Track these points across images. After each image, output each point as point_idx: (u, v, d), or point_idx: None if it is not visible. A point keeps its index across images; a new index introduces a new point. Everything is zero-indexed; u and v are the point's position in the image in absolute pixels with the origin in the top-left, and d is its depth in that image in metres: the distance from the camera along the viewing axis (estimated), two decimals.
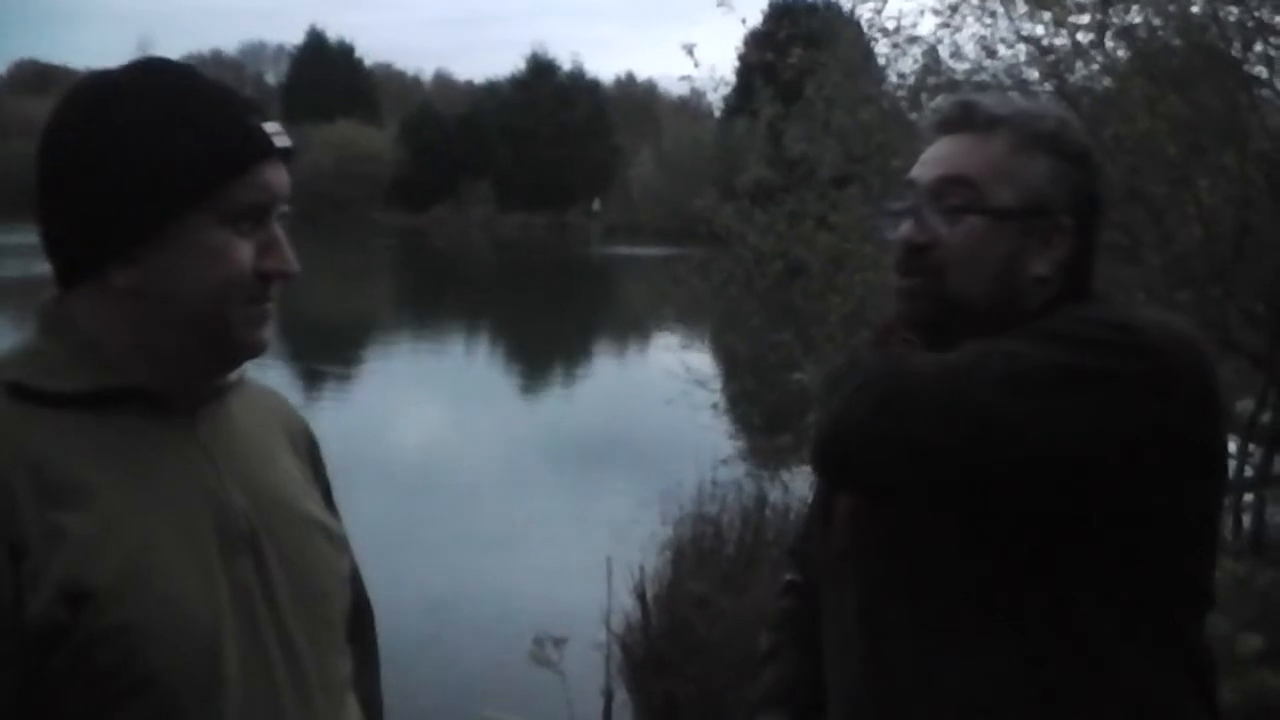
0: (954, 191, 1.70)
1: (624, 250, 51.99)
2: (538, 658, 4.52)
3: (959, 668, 1.64)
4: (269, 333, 1.49)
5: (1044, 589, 1.61)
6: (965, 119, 1.75)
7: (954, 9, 5.88)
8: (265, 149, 1.43)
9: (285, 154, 1.47)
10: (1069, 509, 1.58)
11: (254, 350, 1.49)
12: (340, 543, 1.64)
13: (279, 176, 1.46)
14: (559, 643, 4.52)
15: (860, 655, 1.75)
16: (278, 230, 1.47)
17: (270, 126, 1.44)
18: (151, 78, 1.45)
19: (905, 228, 1.73)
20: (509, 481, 12.47)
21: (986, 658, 1.63)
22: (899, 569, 1.71)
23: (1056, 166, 1.71)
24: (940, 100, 6.35)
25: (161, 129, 1.39)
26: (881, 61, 6.63)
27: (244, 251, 1.43)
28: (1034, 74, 5.88)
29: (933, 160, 1.75)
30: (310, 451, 1.72)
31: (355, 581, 1.70)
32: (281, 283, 1.48)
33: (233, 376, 1.56)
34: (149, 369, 1.43)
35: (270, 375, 19.12)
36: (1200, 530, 1.70)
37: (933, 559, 1.67)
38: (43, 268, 1.49)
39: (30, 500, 1.30)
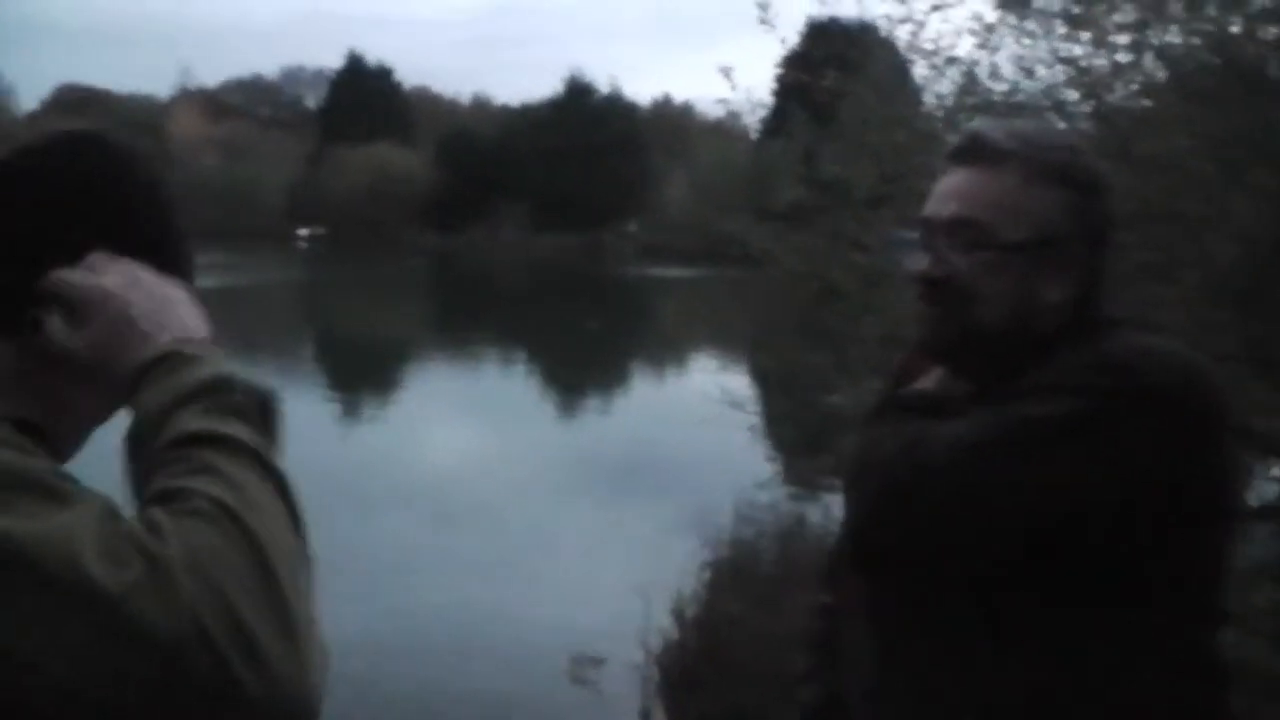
0: (966, 228, 1.77)
1: (658, 271, 52.07)
2: (575, 677, 4.53)
3: (965, 691, 1.72)
4: None
5: (1054, 615, 1.67)
6: (976, 152, 1.81)
7: (989, 29, 5.87)
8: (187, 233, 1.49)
9: None
10: (1080, 553, 1.64)
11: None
12: None
13: None
14: (596, 663, 4.52)
15: (877, 689, 1.85)
16: None
17: None
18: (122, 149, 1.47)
19: (924, 262, 1.81)
20: (545, 502, 12.49)
21: (996, 677, 1.70)
22: (904, 612, 1.81)
23: (1067, 197, 1.77)
24: (973, 122, 6.38)
25: (116, 186, 1.43)
26: (920, 83, 6.63)
27: None
28: (1072, 95, 5.86)
29: (945, 196, 1.83)
30: None
31: None
32: None
33: None
34: (39, 415, 1.35)
35: (307, 395, 19.25)
36: (1211, 557, 1.75)
37: (944, 589, 1.75)
38: None
39: None
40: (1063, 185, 1.77)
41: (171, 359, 1.27)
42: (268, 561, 1.12)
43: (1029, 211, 1.76)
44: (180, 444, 1.20)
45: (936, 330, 1.83)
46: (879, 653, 1.86)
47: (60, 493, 1.14)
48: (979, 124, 1.92)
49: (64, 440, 1.36)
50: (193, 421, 1.21)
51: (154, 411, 1.24)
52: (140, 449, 1.23)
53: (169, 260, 1.40)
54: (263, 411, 1.26)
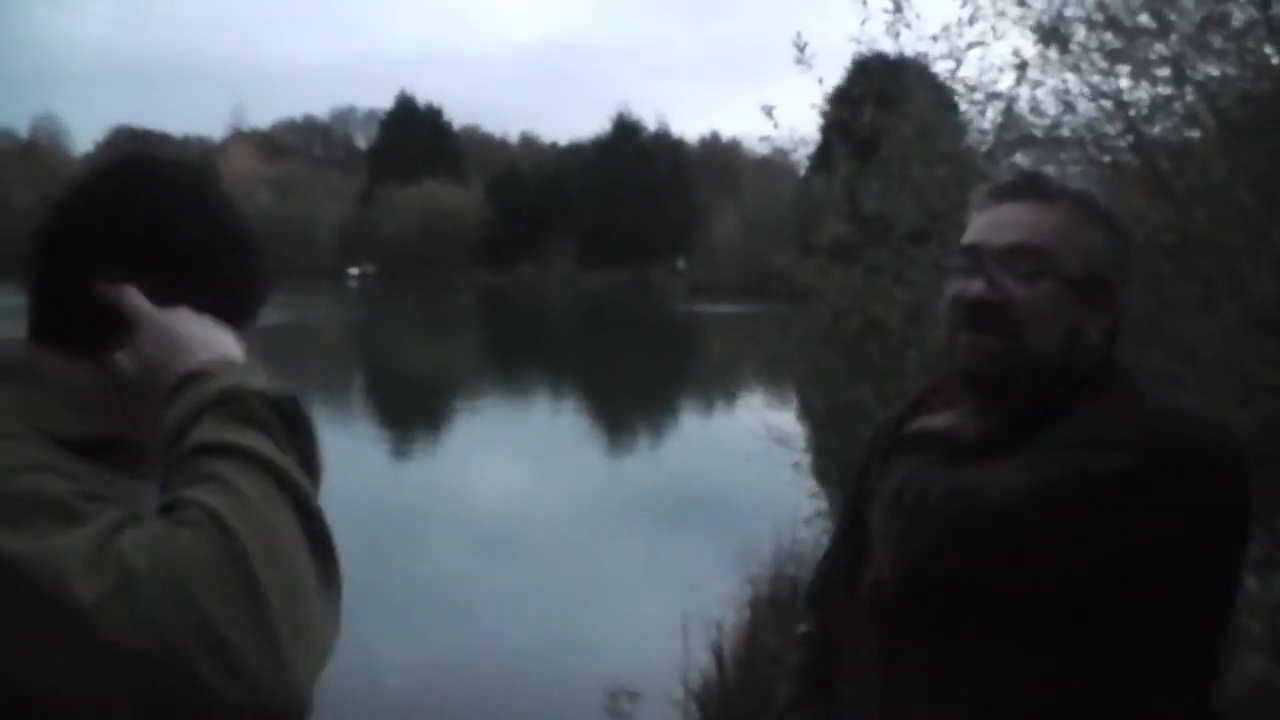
0: (1027, 256, 1.79)
1: (707, 308, 52.09)
2: (611, 711, 4.54)
3: None
4: None
5: (1073, 665, 1.69)
6: (1029, 188, 1.86)
7: (1021, 66, 5.88)
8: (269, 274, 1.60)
9: None
10: (1117, 608, 1.67)
11: None
12: None
13: None
14: (633, 697, 4.54)
15: (878, 708, 1.86)
16: None
17: None
18: (200, 183, 1.55)
19: (977, 285, 1.80)
20: (591, 537, 12.50)
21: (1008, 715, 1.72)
22: (924, 648, 1.80)
23: (1111, 240, 1.84)
24: (1016, 158, 6.38)
25: (227, 237, 1.52)
26: (964, 118, 6.65)
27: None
28: (1113, 129, 5.86)
29: (1000, 226, 1.84)
30: None
31: None
32: None
33: None
34: (128, 430, 1.43)
35: (357, 432, 19.37)
36: (1224, 611, 1.79)
37: (963, 665, 1.76)
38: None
39: None
40: (1107, 228, 1.84)
41: (200, 375, 1.33)
42: (251, 569, 1.15)
43: (1083, 248, 1.80)
44: (192, 454, 1.25)
45: (980, 359, 1.81)
46: (886, 686, 1.86)
47: (76, 512, 1.20)
48: (1027, 164, 1.96)
49: (150, 452, 1.40)
50: (206, 433, 1.26)
51: (173, 424, 1.30)
52: (165, 461, 1.29)
53: (233, 282, 1.50)
54: (288, 420, 1.30)
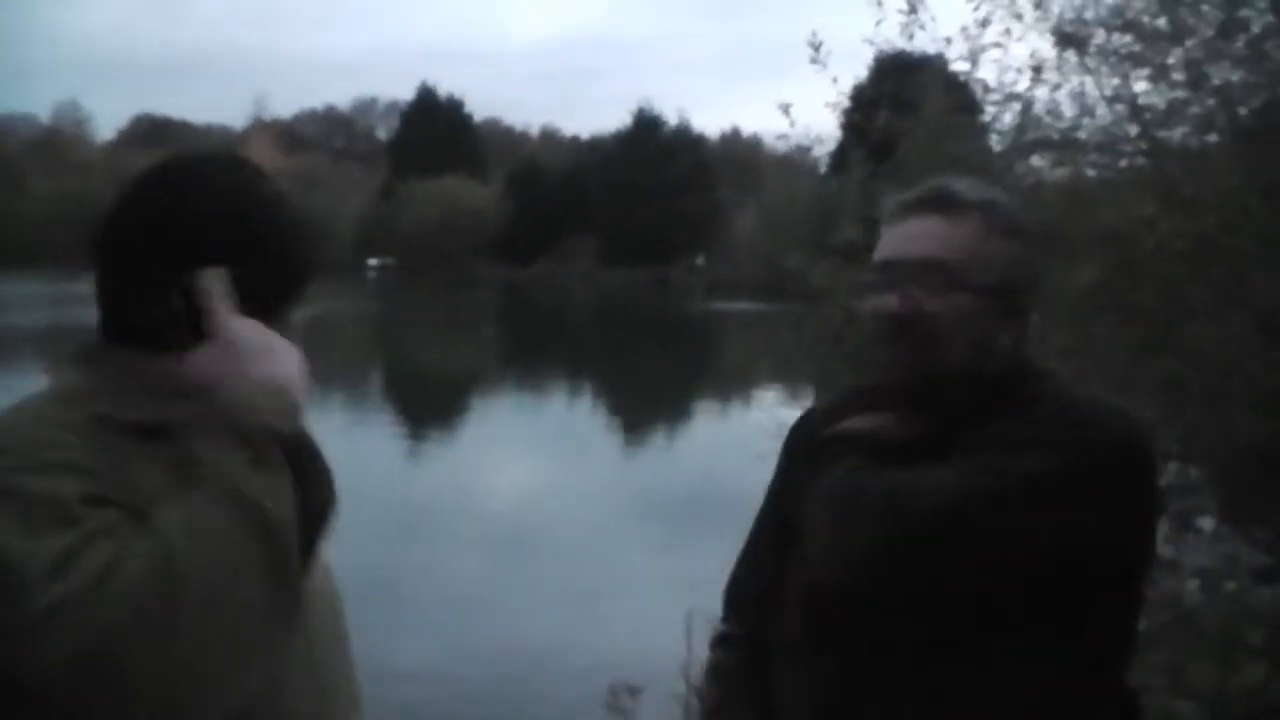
0: (938, 271, 1.84)
1: (726, 306, 52.06)
2: (612, 706, 4.56)
3: None
4: None
5: (1008, 653, 1.76)
6: (940, 202, 1.90)
7: (1037, 69, 5.87)
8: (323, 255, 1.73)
9: None
10: (1046, 599, 1.74)
11: None
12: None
13: None
14: (634, 691, 4.55)
15: (812, 706, 1.91)
16: None
17: None
18: (248, 174, 1.64)
19: (891, 300, 1.85)
20: (602, 534, 12.53)
21: (954, 713, 1.78)
22: (861, 645, 1.85)
23: (1019, 250, 1.90)
24: (1032, 161, 6.36)
25: (276, 226, 1.61)
26: (981, 120, 6.63)
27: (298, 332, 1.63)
28: (1130, 131, 5.84)
29: (911, 240, 1.89)
30: None
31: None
32: None
33: None
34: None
35: (375, 426, 19.42)
36: (1138, 597, 1.89)
37: (901, 657, 1.81)
38: None
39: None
40: (1014, 238, 1.89)
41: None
42: (176, 596, 1.24)
43: (992, 260, 1.85)
44: (195, 463, 1.35)
45: (899, 370, 1.86)
46: (818, 686, 1.91)
47: (71, 517, 1.30)
48: (940, 180, 1.99)
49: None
50: (212, 454, 1.36)
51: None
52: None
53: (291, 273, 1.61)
54: (299, 462, 1.38)
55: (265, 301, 1.54)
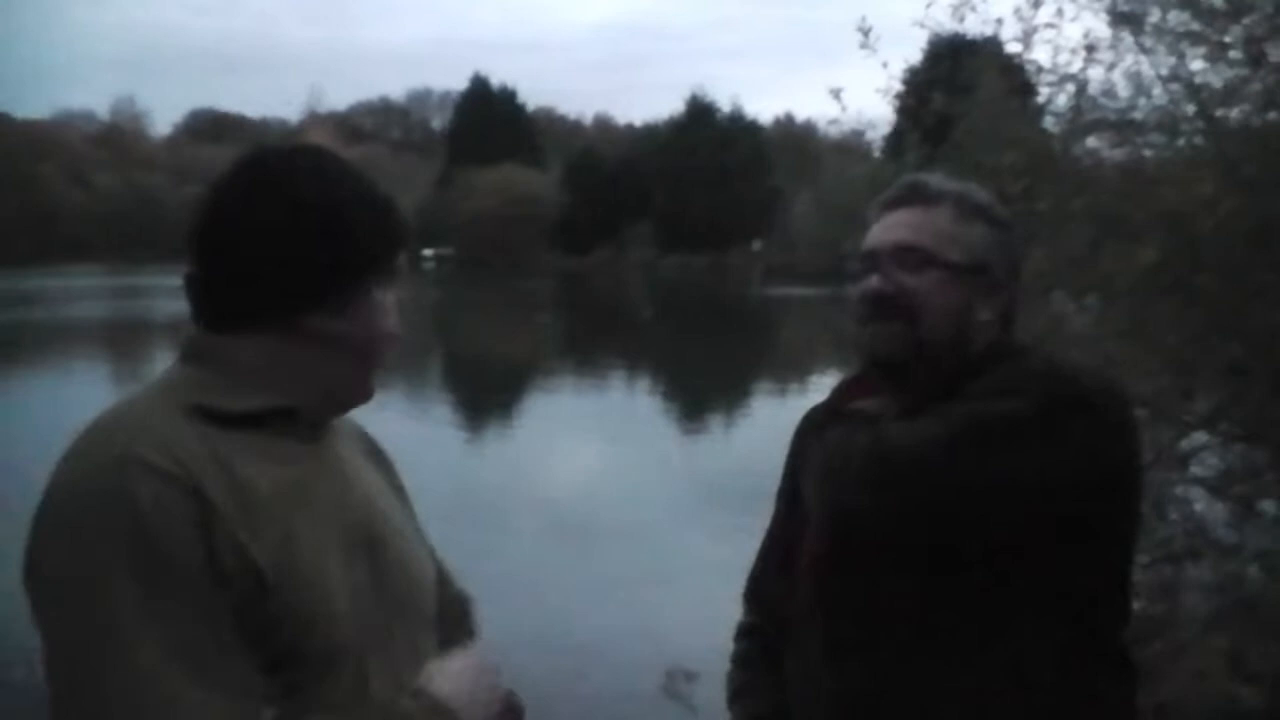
0: (914, 251, 2.01)
1: (783, 291, 51.92)
2: (669, 691, 4.58)
3: (916, 691, 1.90)
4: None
5: (993, 616, 1.87)
6: (913, 195, 2.07)
7: (1091, 50, 5.82)
8: (407, 234, 1.73)
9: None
10: (1028, 544, 1.84)
11: (368, 399, 1.76)
12: (429, 549, 1.89)
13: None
14: (690, 677, 4.57)
15: (826, 691, 2.00)
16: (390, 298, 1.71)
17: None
18: (324, 161, 1.69)
19: (872, 279, 2.02)
20: (660, 521, 12.55)
21: (942, 685, 1.88)
22: (860, 610, 1.95)
23: (991, 232, 2.06)
24: (1089, 142, 6.30)
25: (352, 207, 1.65)
26: (1036, 102, 6.58)
27: (388, 312, 1.69)
28: (1187, 110, 5.78)
29: (888, 229, 2.06)
30: (384, 462, 1.94)
31: (443, 578, 1.92)
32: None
33: None
34: (301, 397, 1.64)
35: (434, 414, 19.52)
36: (1125, 552, 1.99)
37: (892, 601, 1.91)
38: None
39: (227, 504, 1.50)
40: (987, 222, 2.06)
41: None
42: None
43: (964, 241, 2.02)
44: None
45: (883, 345, 2.00)
46: (826, 648, 1.99)
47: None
48: (914, 175, 2.15)
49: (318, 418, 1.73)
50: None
51: None
52: None
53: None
54: None
55: (364, 281, 1.64)
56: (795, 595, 2.07)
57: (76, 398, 19.03)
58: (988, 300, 2.02)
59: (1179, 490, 5.66)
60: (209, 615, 1.45)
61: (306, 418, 1.66)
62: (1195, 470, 5.68)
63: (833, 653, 1.98)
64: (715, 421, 21.63)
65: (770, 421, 19.96)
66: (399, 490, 1.91)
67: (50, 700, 1.46)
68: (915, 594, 1.88)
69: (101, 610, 1.41)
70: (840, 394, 2.14)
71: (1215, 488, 5.63)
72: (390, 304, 1.70)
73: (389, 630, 1.65)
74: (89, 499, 1.45)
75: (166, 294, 51.53)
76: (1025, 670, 1.86)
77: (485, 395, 24.87)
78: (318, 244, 1.61)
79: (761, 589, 2.30)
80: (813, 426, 2.13)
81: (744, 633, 2.34)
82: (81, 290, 52.29)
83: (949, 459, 1.82)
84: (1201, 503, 5.67)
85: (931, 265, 1.99)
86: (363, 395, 1.74)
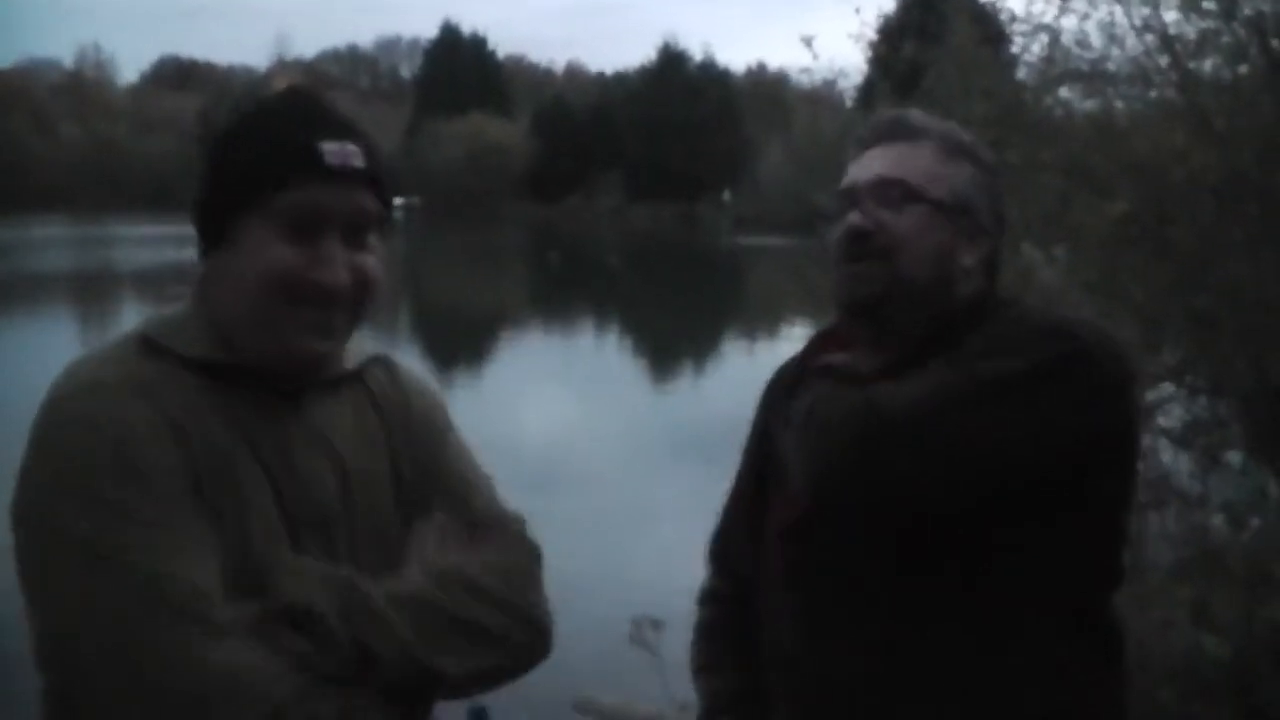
0: (894, 186, 1.88)
1: (753, 241, 51.88)
2: (635, 639, 4.58)
3: (897, 662, 1.79)
4: (324, 345, 1.61)
5: (976, 583, 1.76)
6: (895, 130, 1.95)
7: None
8: (309, 168, 1.55)
9: (352, 175, 1.58)
10: (1016, 506, 1.73)
11: (300, 356, 1.59)
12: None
13: (333, 196, 1.57)
14: (656, 625, 4.57)
15: (806, 675, 1.90)
16: (331, 245, 1.57)
17: (333, 148, 1.57)
18: (270, 99, 1.64)
19: (852, 216, 1.88)
20: (632, 470, 12.59)
21: (931, 665, 1.78)
22: (837, 580, 1.84)
23: (976, 174, 1.93)
24: (1061, 93, 6.29)
25: (238, 141, 1.58)
26: (1016, 50, 6.57)
27: (282, 253, 1.54)
28: (1161, 62, 5.77)
29: (868, 164, 1.93)
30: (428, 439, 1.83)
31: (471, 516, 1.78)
32: (330, 297, 1.58)
33: (351, 367, 1.74)
34: (251, 348, 1.58)
35: (404, 362, 19.62)
36: (1120, 513, 1.86)
37: (870, 570, 1.80)
38: (185, 255, 1.71)
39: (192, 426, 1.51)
40: (973, 162, 1.93)
41: None
42: None
43: (948, 179, 1.89)
44: None
45: (862, 286, 1.86)
46: (801, 619, 1.89)
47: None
48: (897, 110, 2.03)
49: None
50: None
51: None
52: None
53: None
54: None
55: (238, 217, 1.57)
56: (764, 561, 1.98)
57: (43, 350, 18.89)
58: (971, 245, 1.88)
59: (1145, 441, 5.70)
60: (194, 514, 1.46)
61: (256, 373, 1.59)
62: (1161, 421, 5.72)
63: (811, 630, 1.87)
64: (684, 371, 21.66)
65: (739, 371, 20.02)
66: (422, 444, 1.82)
67: (46, 640, 1.46)
68: (900, 565, 1.77)
69: (89, 523, 1.41)
70: (814, 348, 2.01)
71: (1181, 439, 5.67)
72: (273, 245, 1.54)
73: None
74: (65, 425, 1.46)
75: (132, 244, 51.08)
76: (1018, 645, 1.76)
77: (453, 345, 24.81)
78: (203, 182, 1.59)
79: (726, 550, 2.18)
80: (785, 382, 2.00)
81: (708, 598, 2.21)
82: (45, 241, 51.76)
83: (944, 421, 1.70)
84: (1167, 454, 5.70)
85: (914, 201, 1.86)
86: (274, 345, 1.57)
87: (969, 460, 1.70)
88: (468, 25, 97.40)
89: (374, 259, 1.62)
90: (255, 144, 1.56)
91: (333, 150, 1.56)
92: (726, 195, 78.01)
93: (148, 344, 1.55)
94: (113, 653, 1.38)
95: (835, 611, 1.85)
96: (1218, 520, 5.21)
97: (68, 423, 1.46)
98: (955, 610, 1.76)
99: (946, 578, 1.76)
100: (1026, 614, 1.77)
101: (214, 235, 1.59)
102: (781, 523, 1.93)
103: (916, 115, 1.98)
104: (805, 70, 7.52)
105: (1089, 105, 6.22)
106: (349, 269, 1.57)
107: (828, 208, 1.96)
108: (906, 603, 1.78)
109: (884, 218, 1.86)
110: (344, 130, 1.60)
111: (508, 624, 1.64)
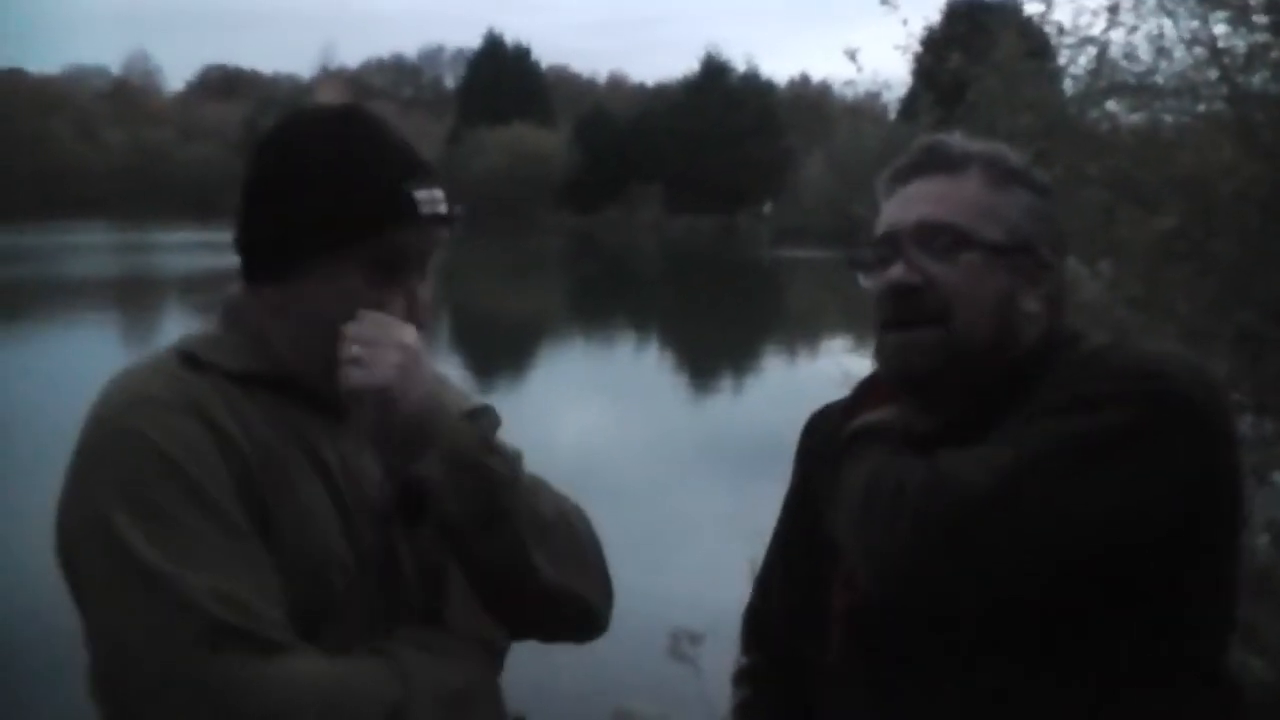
0: (942, 231, 1.63)
1: (793, 253, 51.77)
2: (674, 652, 4.57)
3: None
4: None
5: (1071, 655, 1.54)
6: (933, 161, 1.70)
7: (1112, 11, 5.75)
8: (407, 214, 1.56)
9: (439, 220, 1.60)
10: (1126, 572, 1.51)
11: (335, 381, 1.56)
12: None
13: (421, 240, 1.59)
14: (695, 639, 4.56)
15: None
16: (416, 287, 1.60)
17: (425, 196, 1.58)
18: (339, 128, 1.61)
19: (894, 270, 1.64)
20: (668, 482, 12.56)
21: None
22: (913, 663, 1.63)
23: (1032, 200, 1.68)
24: (1108, 106, 6.23)
25: (322, 181, 1.55)
26: (1062, 63, 6.53)
27: (368, 297, 1.56)
28: (1209, 75, 5.71)
29: (907, 204, 1.68)
30: None
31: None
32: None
33: None
34: (312, 375, 1.58)
35: (444, 372, 19.60)
36: (1232, 565, 1.64)
37: (951, 649, 1.59)
38: (226, 262, 1.70)
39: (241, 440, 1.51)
40: (1024, 186, 1.69)
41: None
42: None
43: (1001, 213, 1.65)
44: None
45: (915, 358, 1.63)
46: (874, 704, 1.67)
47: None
48: (932, 137, 1.78)
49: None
50: None
51: None
52: None
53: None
54: None
55: (311, 256, 1.56)
56: (826, 646, 1.73)
57: (84, 356, 19.04)
58: (1034, 286, 1.63)
59: None
60: (249, 530, 1.46)
61: (305, 387, 1.60)
62: None
63: (885, 714, 1.65)
64: (724, 383, 21.62)
65: (779, 386, 19.97)
66: None
67: (102, 663, 1.44)
68: (982, 644, 1.55)
69: (144, 540, 1.40)
70: (859, 397, 1.76)
71: None
72: (360, 289, 1.55)
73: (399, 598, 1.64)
74: (114, 439, 1.45)
75: (174, 250, 51.49)
76: (1120, 712, 1.54)
77: (494, 354, 24.86)
78: (269, 215, 1.58)
79: (762, 625, 1.97)
80: (826, 435, 1.77)
81: (745, 677, 2.00)
82: (89, 246, 52.23)
83: (1037, 493, 1.46)
84: None
85: (966, 248, 1.61)
86: (316, 375, 1.57)
87: (1072, 534, 1.47)
88: (511, 36, 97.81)
89: (428, 284, 1.64)
90: (344, 185, 1.55)
91: (425, 199, 1.58)
92: (767, 207, 77.86)
93: (189, 359, 1.55)
94: (174, 676, 1.36)
95: (911, 694, 1.62)
96: (1263, 540, 5.15)
97: (117, 436, 1.46)
98: (1043, 684, 1.54)
99: (1035, 651, 1.54)
100: (1133, 680, 1.54)
101: (279, 268, 1.57)
102: (845, 604, 1.70)
103: (956, 140, 1.74)
104: (849, 83, 7.49)
105: (1135, 118, 6.17)
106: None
107: (865, 251, 1.72)
108: (988, 680, 1.56)
109: (933, 271, 1.62)
110: (430, 174, 1.61)
111: (601, 580, 1.78)
